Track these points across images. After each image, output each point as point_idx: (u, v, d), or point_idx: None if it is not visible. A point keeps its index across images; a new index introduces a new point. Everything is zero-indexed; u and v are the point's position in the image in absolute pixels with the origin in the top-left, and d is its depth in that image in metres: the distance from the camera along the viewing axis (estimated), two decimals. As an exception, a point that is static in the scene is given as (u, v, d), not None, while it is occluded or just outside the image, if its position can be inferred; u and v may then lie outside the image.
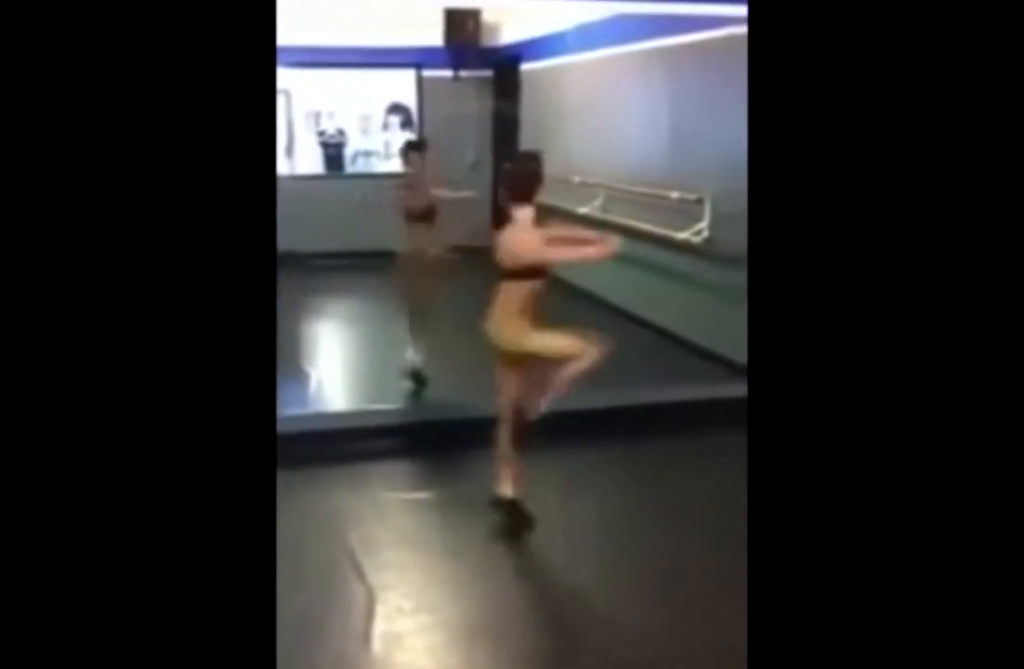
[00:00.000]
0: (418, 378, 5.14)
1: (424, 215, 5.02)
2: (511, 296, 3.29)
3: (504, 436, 3.47)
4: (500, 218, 3.48)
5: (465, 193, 5.28)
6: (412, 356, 5.16)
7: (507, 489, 3.51)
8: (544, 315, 3.34)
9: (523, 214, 3.29)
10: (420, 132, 9.35)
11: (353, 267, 8.43)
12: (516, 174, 3.35)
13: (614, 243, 3.37)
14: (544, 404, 3.41)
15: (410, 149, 5.17)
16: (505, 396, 3.45)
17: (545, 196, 3.38)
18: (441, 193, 5.09)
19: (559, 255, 3.36)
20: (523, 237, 3.27)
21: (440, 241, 5.11)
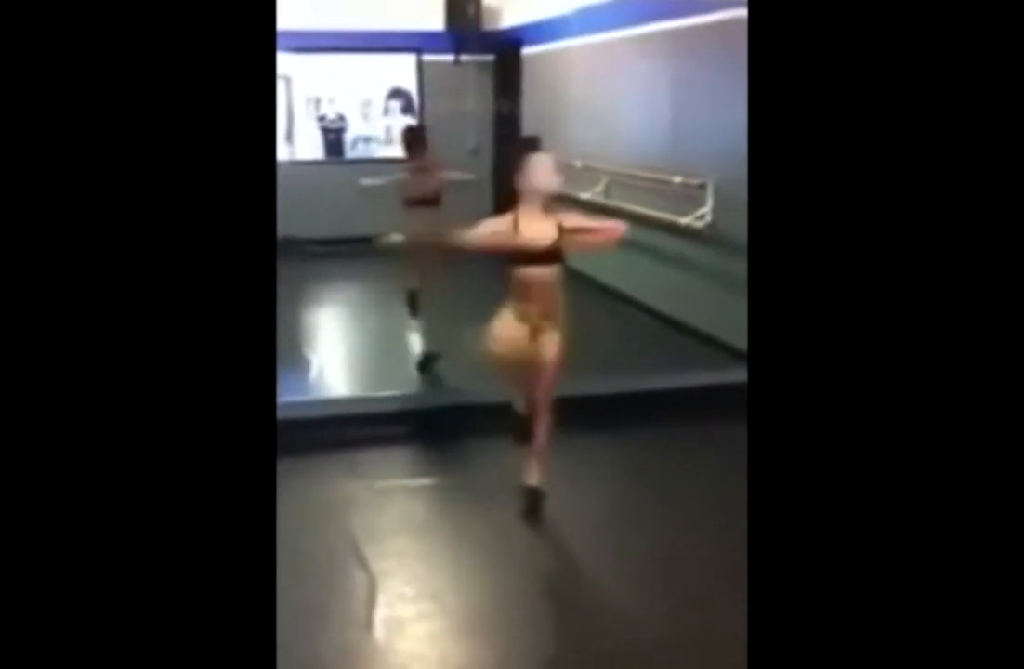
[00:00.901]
0: (426, 363, 5.12)
1: (430, 200, 5.08)
2: (551, 281, 3.33)
3: (545, 427, 3.50)
4: (506, 204, 3.47)
5: (467, 175, 5.36)
6: (421, 341, 5.17)
7: (538, 478, 3.56)
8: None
9: (534, 200, 3.28)
10: (420, 117, 9.32)
11: (352, 253, 8.41)
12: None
13: (621, 228, 3.42)
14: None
15: (409, 135, 5.26)
16: (546, 386, 3.46)
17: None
18: (445, 176, 5.16)
19: (576, 246, 3.39)
20: (539, 225, 3.27)
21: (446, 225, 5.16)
